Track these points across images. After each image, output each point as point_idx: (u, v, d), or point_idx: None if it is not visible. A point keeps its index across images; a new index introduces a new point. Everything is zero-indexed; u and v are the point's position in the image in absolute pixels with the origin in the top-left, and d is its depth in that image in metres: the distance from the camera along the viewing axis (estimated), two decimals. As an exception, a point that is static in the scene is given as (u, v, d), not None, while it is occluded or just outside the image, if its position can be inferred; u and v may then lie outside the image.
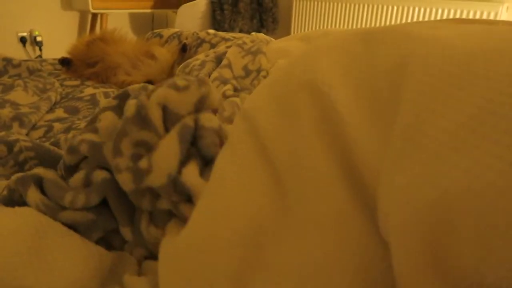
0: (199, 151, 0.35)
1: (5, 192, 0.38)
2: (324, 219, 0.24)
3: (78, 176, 0.38)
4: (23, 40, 2.48)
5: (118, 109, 0.41)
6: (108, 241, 0.39)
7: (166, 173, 0.32)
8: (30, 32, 2.51)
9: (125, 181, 0.33)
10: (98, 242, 0.36)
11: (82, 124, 0.82)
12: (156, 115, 0.34)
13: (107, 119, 0.40)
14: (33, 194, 0.36)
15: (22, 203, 0.36)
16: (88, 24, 2.72)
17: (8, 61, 1.13)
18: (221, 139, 0.36)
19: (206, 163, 0.36)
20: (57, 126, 0.83)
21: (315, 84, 0.28)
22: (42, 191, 0.36)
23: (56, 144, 0.62)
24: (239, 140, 0.31)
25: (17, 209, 0.34)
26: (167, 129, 0.35)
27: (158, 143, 0.34)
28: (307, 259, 0.23)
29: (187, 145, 0.34)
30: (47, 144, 0.59)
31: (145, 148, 0.35)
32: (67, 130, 0.80)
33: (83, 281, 0.31)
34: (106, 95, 1.03)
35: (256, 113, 0.31)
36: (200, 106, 0.37)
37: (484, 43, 0.23)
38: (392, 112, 0.23)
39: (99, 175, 0.37)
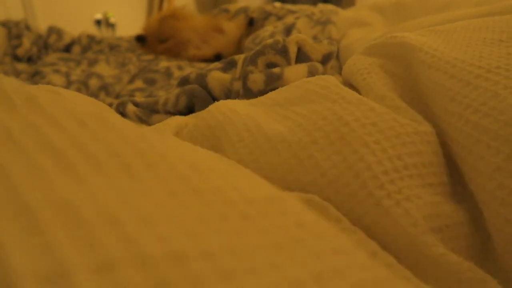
0: None
1: None
2: None
3: (175, 90, 0.44)
4: (98, 22, 2.65)
5: (223, 71, 0.46)
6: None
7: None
8: (105, 15, 2.67)
9: (257, 80, 0.37)
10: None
11: (161, 93, 0.87)
12: (292, 48, 0.38)
13: (216, 74, 0.45)
14: (130, 108, 0.43)
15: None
16: (156, 5, 2.83)
17: (91, 38, 1.23)
18: None
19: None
20: (138, 95, 0.90)
21: None
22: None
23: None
24: None
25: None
26: None
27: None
28: None
29: None
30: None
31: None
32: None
33: None
34: (180, 68, 1.09)
35: None
36: (327, 60, 0.41)
37: None
38: None
39: (191, 86, 0.42)
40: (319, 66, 0.39)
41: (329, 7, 1.13)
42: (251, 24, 1.23)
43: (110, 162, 0.10)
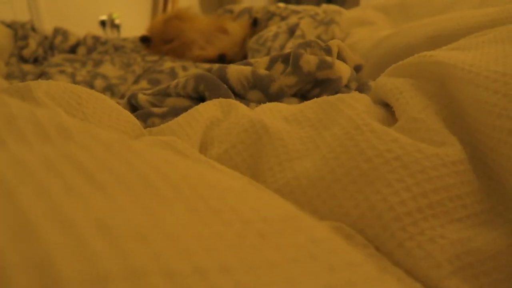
0: None
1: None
2: None
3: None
4: (103, 23, 2.67)
5: None
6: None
7: (345, 76, 0.39)
8: (109, 16, 2.68)
9: (311, 61, 0.39)
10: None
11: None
12: (335, 49, 0.42)
13: (237, 66, 0.47)
14: (142, 97, 0.45)
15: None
16: (160, 7, 2.84)
17: (96, 39, 1.24)
18: None
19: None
20: (143, 95, 0.91)
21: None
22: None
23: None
24: None
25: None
26: None
27: None
28: None
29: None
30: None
31: None
32: (152, 99, 0.87)
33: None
34: (184, 68, 1.09)
35: None
36: (357, 71, 0.45)
37: None
38: None
39: (201, 72, 0.44)
40: (354, 73, 0.42)
41: (333, 7, 1.13)
42: (255, 24, 1.24)
43: (137, 184, 0.11)
